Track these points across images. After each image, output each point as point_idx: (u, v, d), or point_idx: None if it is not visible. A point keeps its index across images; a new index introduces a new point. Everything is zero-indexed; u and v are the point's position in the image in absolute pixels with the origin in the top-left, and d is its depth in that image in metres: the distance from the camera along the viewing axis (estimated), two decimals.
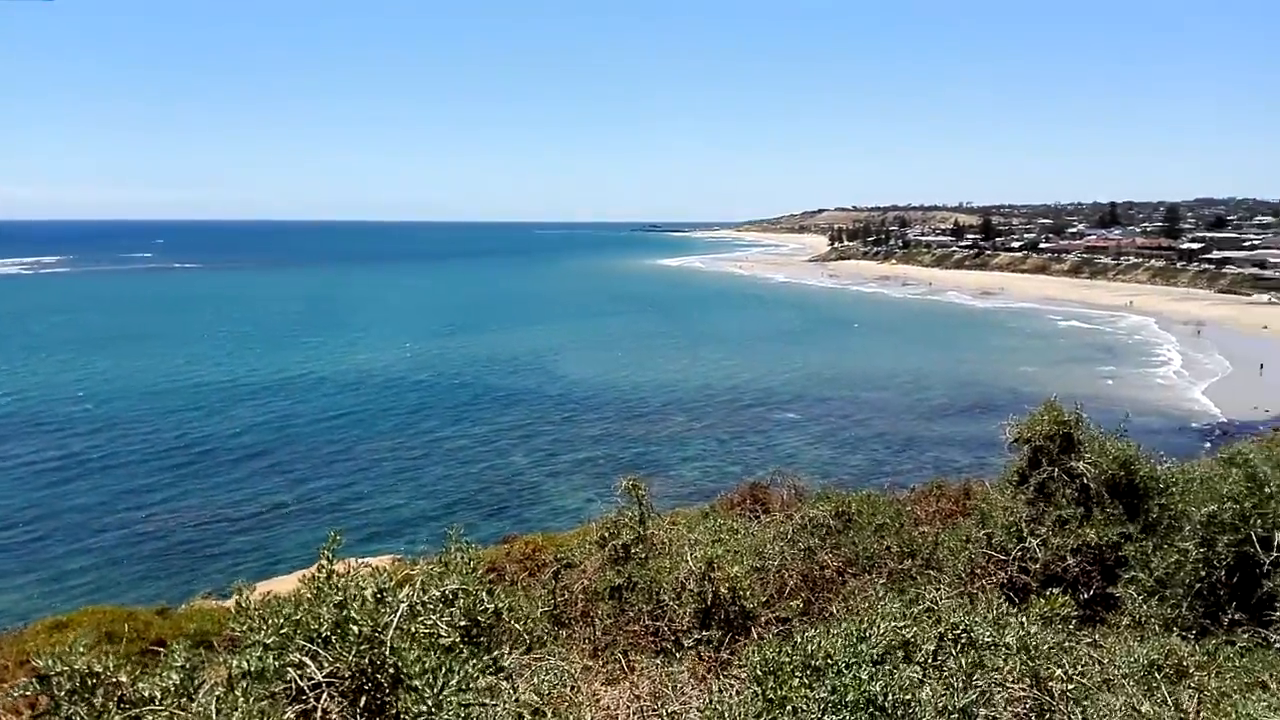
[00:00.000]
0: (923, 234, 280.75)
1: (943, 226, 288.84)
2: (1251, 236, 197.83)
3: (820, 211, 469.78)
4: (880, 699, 3.39)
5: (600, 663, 6.56)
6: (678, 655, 5.73)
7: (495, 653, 3.66)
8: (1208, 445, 51.75)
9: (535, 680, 5.01)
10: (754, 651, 3.80)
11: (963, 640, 3.90)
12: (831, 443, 66.76)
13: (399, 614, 3.19)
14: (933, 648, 3.90)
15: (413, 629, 3.26)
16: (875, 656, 3.69)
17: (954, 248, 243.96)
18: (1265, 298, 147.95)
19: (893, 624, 3.89)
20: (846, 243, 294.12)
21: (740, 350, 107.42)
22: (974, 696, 3.52)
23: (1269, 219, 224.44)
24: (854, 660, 3.59)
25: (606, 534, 8.68)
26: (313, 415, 72.94)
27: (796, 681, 3.50)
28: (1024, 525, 7.61)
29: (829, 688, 3.44)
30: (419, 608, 3.39)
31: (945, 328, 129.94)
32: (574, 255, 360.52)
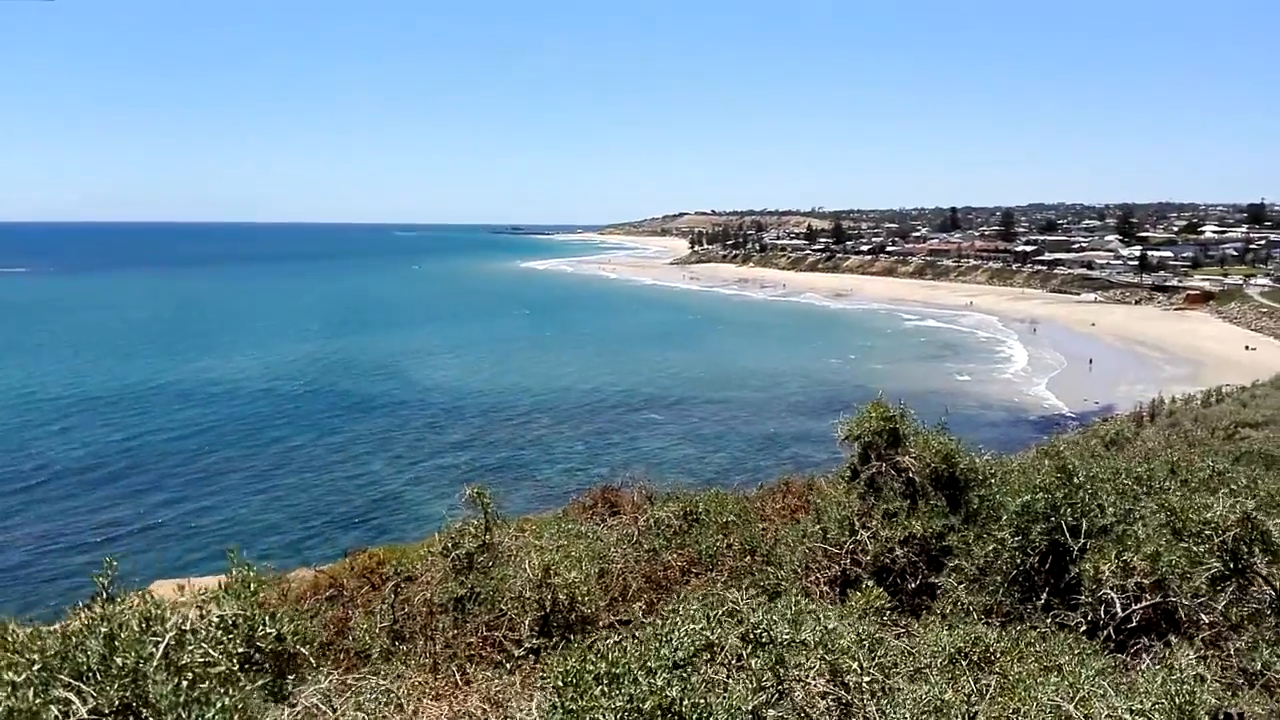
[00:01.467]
0: (778, 238, 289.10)
1: (797, 230, 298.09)
2: (1079, 239, 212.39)
3: (681, 215, 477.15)
4: (677, 704, 3.39)
5: (435, 677, 6.38)
6: (508, 666, 5.62)
7: (260, 679, 3.44)
8: (1044, 437, 55.03)
9: (357, 700, 4.80)
10: (558, 661, 3.73)
11: (763, 639, 3.95)
12: (695, 442, 67.74)
13: (164, 643, 2.97)
14: (736, 648, 3.93)
15: (183, 659, 3.03)
16: (677, 661, 3.70)
17: (808, 251, 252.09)
18: (1092, 296, 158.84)
19: (693, 627, 3.90)
20: (707, 246, 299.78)
21: (607, 352, 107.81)
22: (765, 697, 3.56)
23: (1095, 223, 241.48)
24: (652, 666, 3.58)
25: (450, 544, 8.48)
26: (159, 429, 68.98)
27: (599, 690, 3.46)
28: (856, 519, 7.84)
29: (626, 696, 3.41)
30: (189, 636, 3.16)
31: (802, 328, 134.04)
32: (438, 257, 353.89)
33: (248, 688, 2.93)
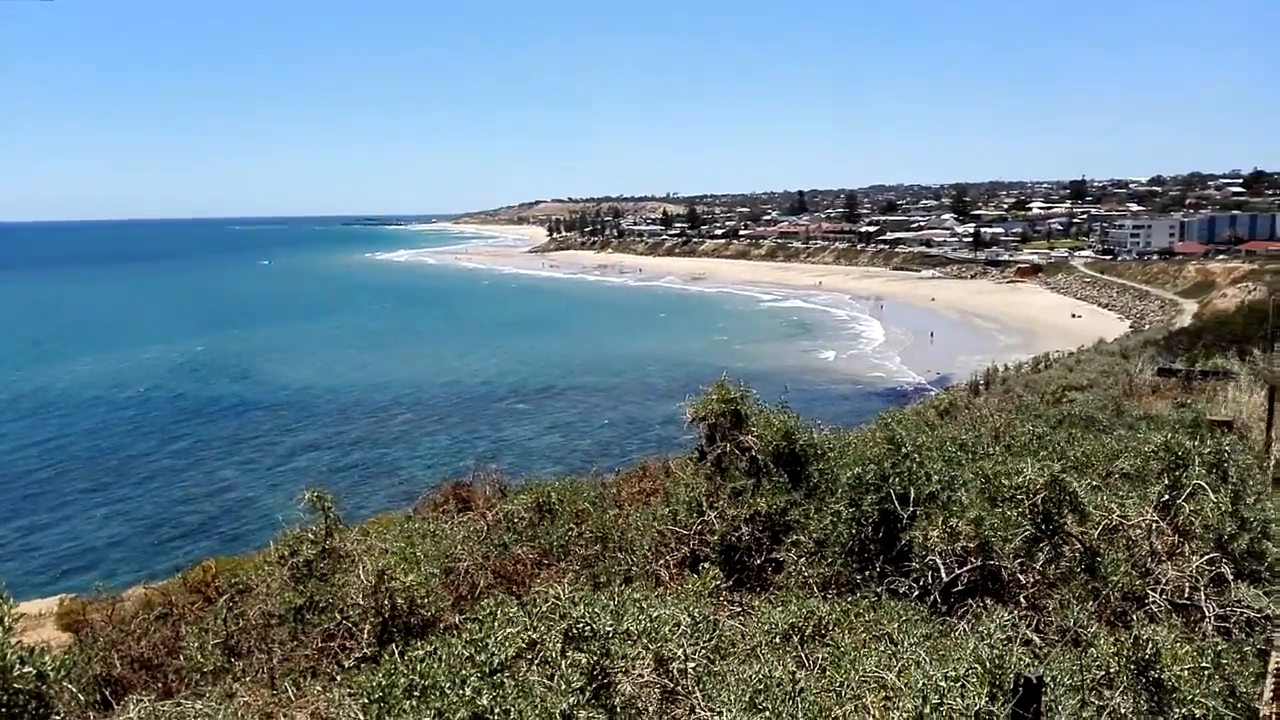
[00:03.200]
0: (635, 223, 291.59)
1: (653, 216, 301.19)
2: (918, 219, 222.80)
3: (538, 203, 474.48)
4: (488, 713, 3.28)
5: (271, 693, 6.06)
6: (339, 679, 5.37)
7: None
8: (890, 408, 57.31)
9: None
10: (368, 676, 3.56)
11: (586, 634, 3.89)
12: (561, 429, 67.59)
13: None
14: (559, 646, 3.86)
15: None
16: (493, 666, 3.59)
17: (664, 236, 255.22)
18: (931, 273, 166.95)
19: (512, 629, 3.81)
20: (565, 233, 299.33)
21: (470, 343, 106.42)
22: (582, 696, 3.50)
23: (931, 203, 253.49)
24: (462, 674, 3.46)
25: (287, 551, 8.07)
26: None
27: (408, 705, 3.31)
28: (703, 499, 7.91)
29: (434, 710, 3.28)
30: None
31: (663, 312, 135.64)
32: (288, 251, 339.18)
33: None
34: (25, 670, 3.12)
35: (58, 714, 3.27)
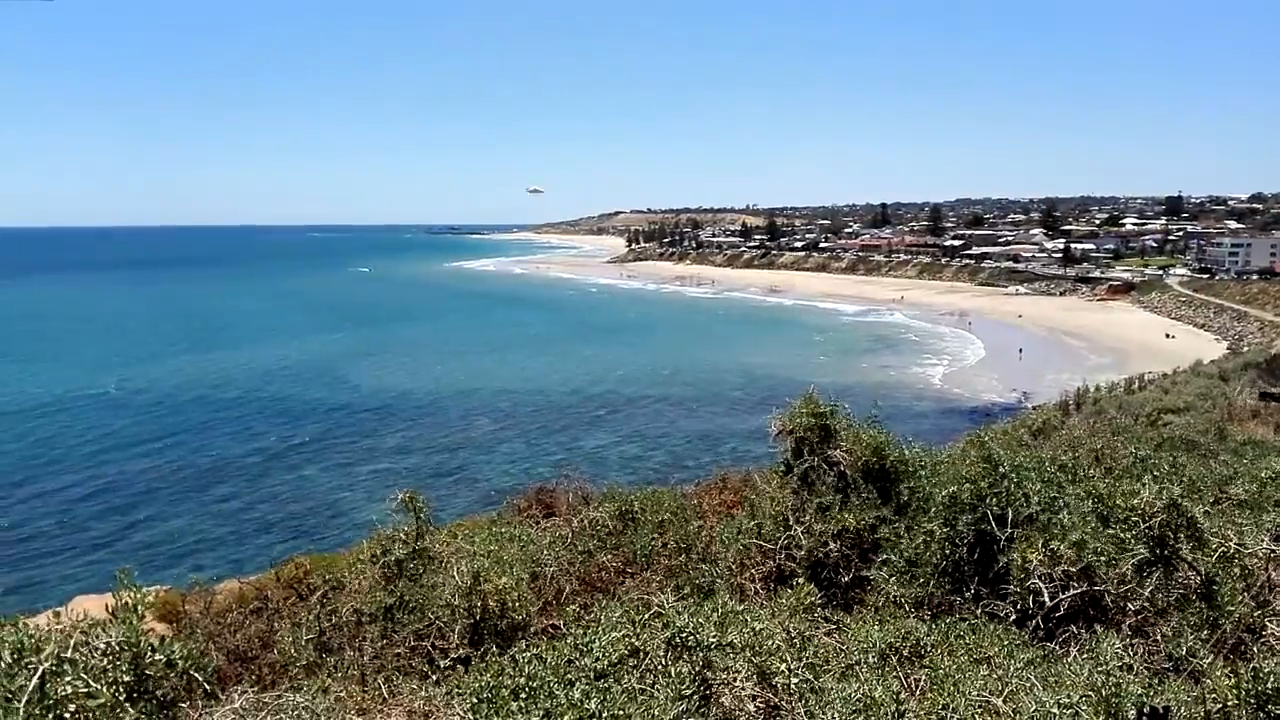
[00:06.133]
0: (714, 235, 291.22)
1: (731, 228, 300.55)
2: (1006, 233, 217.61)
3: (617, 214, 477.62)
4: (596, 716, 3.29)
5: (362, 690, 6.19)
6: (434, 678, 5.45)
7: (148, 709, 3.24)
8: (976, 427, 55.89)
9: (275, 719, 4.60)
10: (474, 676, 3.60)
11: (690, 643, 3.87)
12: (637, 439, 67.64)
13: (37, 674, 2.76)
14: (662, 654, 3.85)
15: (60, 690, 2.83)
16: (599, 670, 3.60)
17: (743, 248, 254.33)
18: (1019, 289, 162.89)
19: (616, 634, 3.81)
20: (643, 244, 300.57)
21: (549, 351, 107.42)
22: (688, 705, 3.48)
23: (1020, 217, 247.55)
24: (571, 678, 3.47)
25: (379, 550, 8.25)
26: (76, 438, 66.76)
27: (515, 706, 3.34)
28: (790, 514, 7.83)
29: (542, 711, 3.30)
30: (67, 666, 2.95)
31: (740, 324, 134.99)
32: (380, 259, 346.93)
33: (133, 717, 2.74)
34: (156, 657, 3.25)
35: (182, 701, 3.40)
